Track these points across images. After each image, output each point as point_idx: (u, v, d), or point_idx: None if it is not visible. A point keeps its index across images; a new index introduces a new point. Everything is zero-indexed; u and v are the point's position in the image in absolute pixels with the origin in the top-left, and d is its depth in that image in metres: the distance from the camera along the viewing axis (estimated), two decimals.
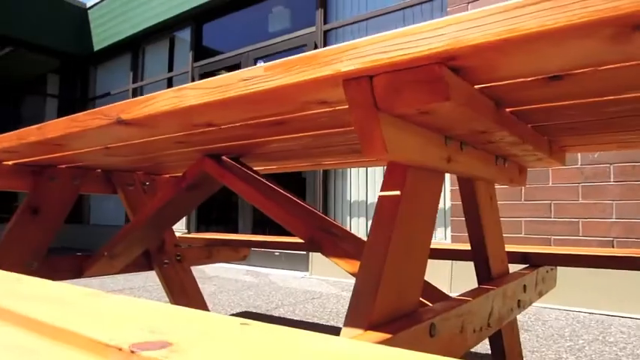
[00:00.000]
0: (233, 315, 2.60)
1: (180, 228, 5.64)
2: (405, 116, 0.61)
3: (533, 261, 1.34)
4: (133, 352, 0.38)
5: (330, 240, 1.06)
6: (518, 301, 1.11)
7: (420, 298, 0.91)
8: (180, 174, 1.75)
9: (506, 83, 0.61)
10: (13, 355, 0.42)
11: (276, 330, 0.43)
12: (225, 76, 0.69)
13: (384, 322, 0.67)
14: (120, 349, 0.39)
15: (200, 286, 3.63)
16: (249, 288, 3.54)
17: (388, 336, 0.60)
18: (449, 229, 3.36)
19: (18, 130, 1.17)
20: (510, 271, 1.23)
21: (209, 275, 4.21)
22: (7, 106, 8.17)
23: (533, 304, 2.72)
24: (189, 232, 5.46)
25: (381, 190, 0.74)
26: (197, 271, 4.46)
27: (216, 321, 0.47)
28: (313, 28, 4.60)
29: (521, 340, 2.02)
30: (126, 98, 1.42)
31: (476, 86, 0.62)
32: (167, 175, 2.02)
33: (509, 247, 1.38)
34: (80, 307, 0.52)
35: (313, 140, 1.15)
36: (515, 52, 0.48)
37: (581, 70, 0.55)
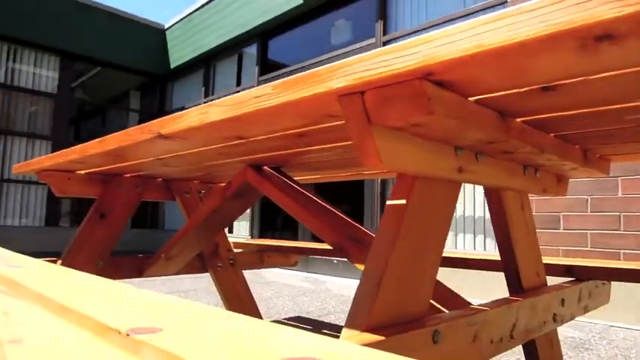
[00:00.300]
0: (285, 319, 2.68)
1: (243, 234, 5.87)
2: (401, 128, 0.64)
3: (577, 274, 1.27)
4: (127, 334, 0.45)
5: (356, 247, 1.09)
6: (554, 314, 1.07)
7: (439, 306, 0.92)
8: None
9: (501, 94, 0.61)
10: (40, 334, 0.50)
11: (258, 324, 0.48)
12: (240, 95, 0.76)
13: (384, 325, 0.69)
14: (119, 333, 0.46)
15: (258, 290, 3.78)
16: (304, 294, 3.61)
17: (381, 338, 0.62)
18: None
19: (83, 144, 1.32)
20: (554, 284, 1.18)
21: (268, 280, 4.35)
22: (95, 120, 9.00)
23: (601, 322, 2.54)
24: (252, 238, 5.67)
25: (389, 199, 0.76)
26: (257, 276, 4.62)
27: (207, 312, 0.53)
28: (373, 40, 4.64)
29: (580, 359, 1.91)
30: None
31: (471, 98, 0.63)
32: (221, 184, 2.15)
33: (550, 260, 1.32)
34: (102, 296, 0.60)
35: (345, 151, 1.19)
36: (486, 65, 0.49)
37: (570, 81, 0.55)
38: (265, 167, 1.45)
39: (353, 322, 0.68)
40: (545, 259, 1.33)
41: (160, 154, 1.23)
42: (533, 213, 2.83)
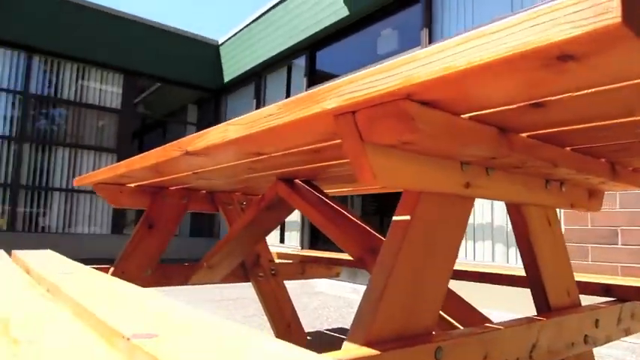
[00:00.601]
0: (327, 330, 2.70)
1: (293, 244, 5.96)
2: (394, 146, 0.66)
3: (617, 294, 1.20)
4: (128, 339, 0.50)
5: (375, 260, 1.10)
6: (585, 336, 1.02)
7: (453, 321, 0.91)
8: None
9: (494, 111, 0.61)
10: (56, 336, 0.56)
11: (248, 332, 0.52)
12: (254, 114, 0.81)
13: (386, 339, 0.70)
14: (122, 337, 0.51)
15: (305, 300, 3.82)
16: (349, 305, 3.61)
17: (377, 353, 0.64)
18: None
19: (129, 159, 1.43)
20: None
21: (316, 291, 4.39)
22: (157, 133, 9.55)
23: None
24: (302, 249, 5.74)
25: (395, 215, 0.78)
26: (306, 286, 4.67)
27: (204, 320, 0.58)
28: (419, 48, 4.61)
29: None
30: None
31: (465, 115, 0.64)
32: (259, 196, 2.22)
33: (587, 278, 1.26)
34: (124, 303, 0.66)
35: None
36: (463, 85, 0.51)
37: (557, 97, 0.54)
38: (297, 180, 1.50)
39: (354, 335, 0.70)
40: (581, 277, 1.27)
41: (194, 169, 1.30)
42: (588, 227, 2.68)
